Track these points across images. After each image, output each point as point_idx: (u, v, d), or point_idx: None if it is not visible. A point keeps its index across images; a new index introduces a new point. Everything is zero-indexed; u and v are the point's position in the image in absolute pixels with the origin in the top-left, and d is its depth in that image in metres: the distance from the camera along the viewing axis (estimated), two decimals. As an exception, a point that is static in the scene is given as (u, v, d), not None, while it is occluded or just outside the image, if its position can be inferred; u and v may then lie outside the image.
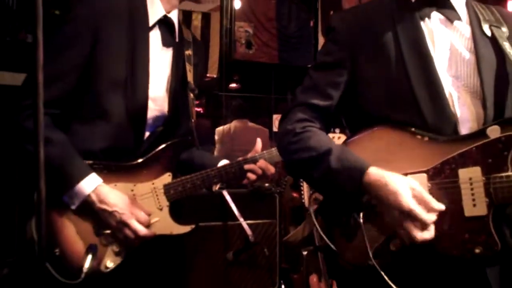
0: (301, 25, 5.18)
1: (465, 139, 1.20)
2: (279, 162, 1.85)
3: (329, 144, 1.32)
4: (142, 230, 1.57)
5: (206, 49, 4.80)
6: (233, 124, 4.73)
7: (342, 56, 1.38)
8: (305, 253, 3.27)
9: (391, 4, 1.39)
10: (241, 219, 2.81)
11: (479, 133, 1.19)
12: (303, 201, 3.19)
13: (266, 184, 3.27)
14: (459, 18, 1.35)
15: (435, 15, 1.35)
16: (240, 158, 1.81)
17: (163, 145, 1.69)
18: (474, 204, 1.15)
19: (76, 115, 1.60)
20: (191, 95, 1.76)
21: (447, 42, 1.33)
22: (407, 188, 1.15)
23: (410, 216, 1.13)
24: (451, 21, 1.34)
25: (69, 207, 1.54)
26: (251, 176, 1.80)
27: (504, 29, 1.34)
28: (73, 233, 1.55)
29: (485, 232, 1.12)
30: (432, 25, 1.34)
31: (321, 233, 1.37)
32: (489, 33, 1.32)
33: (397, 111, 1.30)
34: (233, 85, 5.31)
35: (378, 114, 1.33)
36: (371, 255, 1.20)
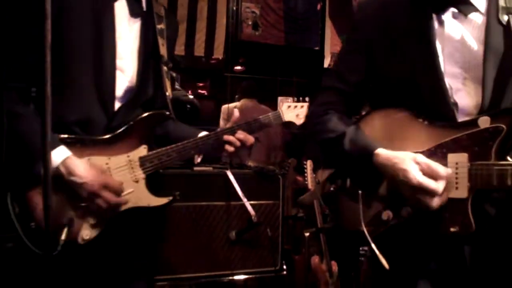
0: (309, 7, 5.12)
1: (459, 127, 1.29)
2: (258, 133, 1.86)
3: (344, 127, 1.45)
4: (113, 198, 1.57)
5: (213, 30, 4.76)
6: (242, 102, 4.68)
7: (360, 44, 1.50)
8: (307, 234, 3.29)
9: None
10: (245, 200, 2.81)
11: (472, 122, 1.27)
12: (307, 183, 3.20)
13: (270, 166, 3.27)
14: (475, 10, 1.36)
15: (450, 10, 1.38)
16: (218, 129, 1.79)
17: (138, 118, 1.67)
18: (457, 187, 1.25)
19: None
20: (165, 68, 1.74)
21: (458, 35, 1.36)
22: (413, 163, 1.26)
23: (421, 189, 1.23)
24: (465, 15, 1.36)
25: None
26: (229, 148, 1.77)
27: None
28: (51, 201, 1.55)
29: (463, 213, 1.23)
30: (445, 19, 1.38)
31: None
32: (504, 21, 1.32)
33: (403, 96, 1.40)
34: (238, 67, 5.28)
35: (390, 98, 1.44)
36: (362, 223, 1.35)
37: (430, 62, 1.35)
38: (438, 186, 1.23)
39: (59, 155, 1.52)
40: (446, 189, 1.24)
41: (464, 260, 1.32)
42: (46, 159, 0.99)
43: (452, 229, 1.24)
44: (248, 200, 2.84)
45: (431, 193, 1.22)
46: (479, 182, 1.22)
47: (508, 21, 1.31)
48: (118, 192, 1.60)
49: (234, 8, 4.86)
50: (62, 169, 1.52)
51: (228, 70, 4.83)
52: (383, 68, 1.45)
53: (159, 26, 1.74)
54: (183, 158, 1.74)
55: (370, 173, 1.36)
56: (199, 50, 4.68)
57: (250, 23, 4.87)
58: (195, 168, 2.90)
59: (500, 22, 1.33)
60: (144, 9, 1.71)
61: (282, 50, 4.99)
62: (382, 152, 1.33)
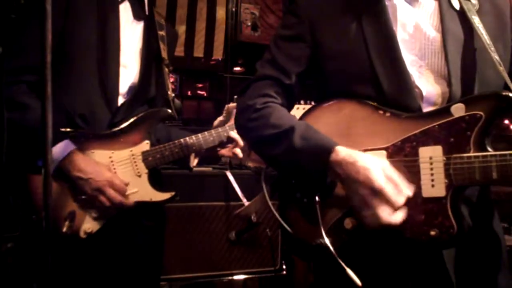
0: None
1: (428, 116, 1.16)
2: None
3: (292, 121, 1.27)
4: (117, 197, 1.59)
5: (212, 31, 4.77)
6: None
7: (303, 29, 1.34)
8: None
9: None
10: (244, 200, 2.82)
11: (443, 111, 1.14)
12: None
13: (270, 166, 3.27)
14: None
15: None
16: (219, 128, 1.88)
17: (142, 114, 1.73)
18: (433, 184, 1.10)
19: (53, 83, 1.64)
20: (166, 69, 1.82)
21: (412, 21, 1.27)
22: (379, 167, 1.09)
23: (380, 195, 1.07)
24: None
25: None
26: (225, 152, 1.91)
27: (474, 1, 1.26)
28: (51, 199, 1.56)
29: (442, 214, 1.08)
30: (396, 3, 1.28)
31: (274, 211, 1.34)
32: (457, 6, 1.25)
33: (357, 86, 1.26)
34: (237, 68, 5.29)
35: (341, 89, 1.29)
36: (323, 234, 1.16)
37: (388, 48, 1.23)
38: (398, 199, 1.07)
39: (64, 149, 1.54)
40: (404, 208, 1.09)
41: (444, 266, 1.17)
42: (47, 159, 0.99)
43: (432, 233, 1.08)
44: (248, 200, 2.84)
45: (388, 204, 1.07)
46: (459, 177, 1.08)
47: (461, 6, 1.24)
48: (123, 191, 1.61)
49: (233, 9, 4.87)
50: (67, 164, 1.54)
51: (228, 71, 4.84)
52: (331, 56, 1.31)
53: (160, 33, 1.82)
54: (185, 154, 1.78)
55: (322, 175, 1.18)
56: (199, 51, 4.69)
57: (249, 24, 4.88)
58: (195, 169, 2.90)
59: (453, 7, 1.26)
60: (147, 13, 1.79)
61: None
62: (343, 149, 1.15)
